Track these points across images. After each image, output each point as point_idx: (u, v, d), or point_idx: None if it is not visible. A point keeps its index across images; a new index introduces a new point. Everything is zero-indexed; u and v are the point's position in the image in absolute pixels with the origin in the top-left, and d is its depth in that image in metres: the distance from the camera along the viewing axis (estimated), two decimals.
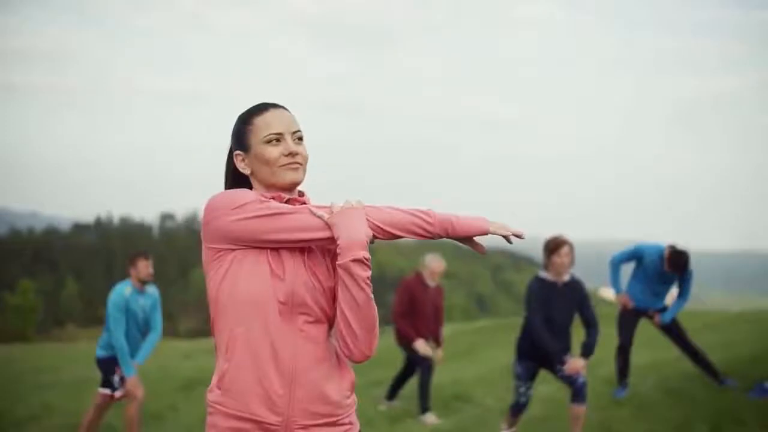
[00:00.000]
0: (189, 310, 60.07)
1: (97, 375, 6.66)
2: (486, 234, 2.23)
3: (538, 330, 5.43)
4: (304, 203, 2.24)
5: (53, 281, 65.54)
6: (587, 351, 5.52)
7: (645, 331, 7.71)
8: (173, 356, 16.04)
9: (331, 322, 2.22)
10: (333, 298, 2.21)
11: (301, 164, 2.22)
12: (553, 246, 5.51)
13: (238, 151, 2.26)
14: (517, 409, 5.82)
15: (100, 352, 6.53)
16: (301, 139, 2.24)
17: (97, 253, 73.26)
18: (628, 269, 7.22)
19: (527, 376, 5.70)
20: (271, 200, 2.17)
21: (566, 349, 5.53)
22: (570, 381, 5.45)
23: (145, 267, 6.43)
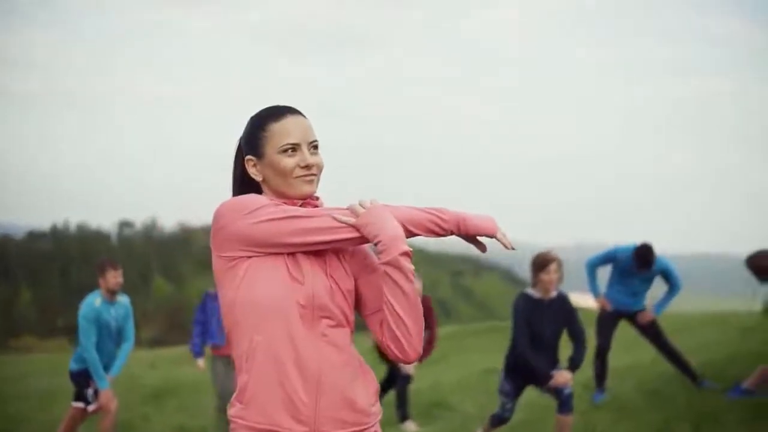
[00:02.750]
0: (150, 319, 59.24)
1: (67, 386, 6.51)
2: (494, 237, 2.21)
3: (524, 350, 5.34)
4: (317, 207, 2.18)
5: (8, 291, 64.22)
6: (574, 365, 5.44)
7: (622, 333, 7.73)
8: (139, 366, 15.77)
9: (351, 327, 2.17)
10: (352, 302, 2.16)
11: (315, 175, 2.16)
12: (541, 263, 5.39)
13: (250, 156, 2.19)
14: (499, 421, 5.76)
15: (74, 365, 6.36)
16: (316, 147, 2.17)
17: (53, 262, 71.94)
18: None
19: (515, 393, 5.64)
20: (284, 204, 2.11)
21: (553, 366, 5.46)
22: (556, 392, 5.40)
23: (113, 277, 6.29)
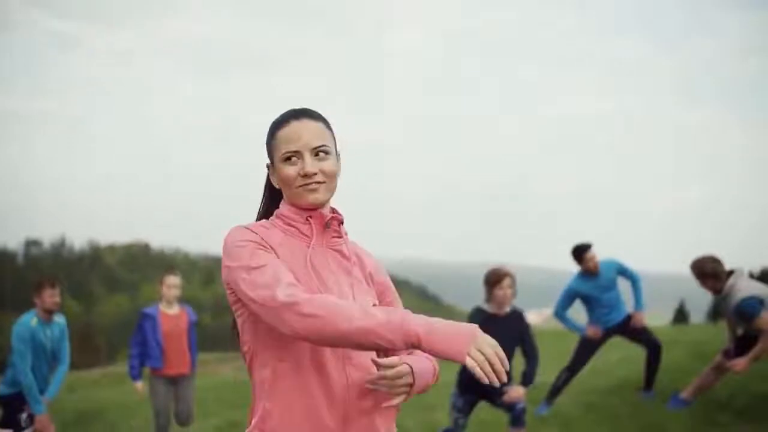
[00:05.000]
0: None
1: None
2: (461, 363, 1.72)
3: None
4: (341, 222, 2.10)
5: None
6: (527, 380, 5.50)
7: (557, 348, 7.83)
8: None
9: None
10: None
11: (321, 183, 2.02)
12: (495, 279, 5.45)
13: (268, 163, 2.10)
14: None
15: (4, 389, 6.05)
16: (326, 153, 2.03)
17: None
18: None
19: (468, 410, 5.65)
20: (258, 246, 1.94)
21: (506, 381, 5.47)
22: (509, 407, 5.43)
23: (50, 296, 6.02)
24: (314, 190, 2.01)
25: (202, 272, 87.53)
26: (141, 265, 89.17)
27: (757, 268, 38.19)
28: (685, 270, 6.42)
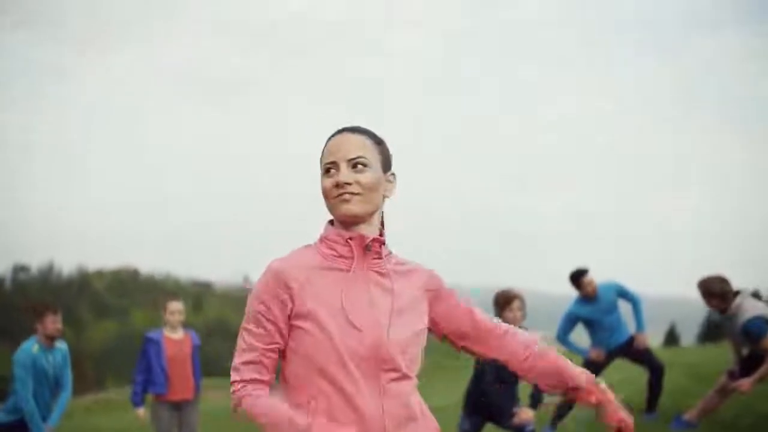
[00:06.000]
0: None
1: None
2: None
3: (488, 384, 5.36)
4: (383, 243, 2.05)
5: None
6: (535, 402, 5.50)
7: None
8: None
9: (416, 370, 2.03)
10: (421, 344, 2.04)
11: (355, 194, 1.96)
12: (504, 300, 5.46)
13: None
14: None
15: (5, 417, 6.00)
16: (365, 165, 1.98)
17: None
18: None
19: (474, 431, 5.63)
20: (259, 315, 1.96)
21: (514, 402, 5.47)
22: (517, 430, 5.41)
23: (52, 322, 6.00)
24: (347, 201, 1.96)
25: (192, 298, 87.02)
26: (130, 290, 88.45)
27: (756, 283, 38.09)
28: (676, 292, 6.45)
